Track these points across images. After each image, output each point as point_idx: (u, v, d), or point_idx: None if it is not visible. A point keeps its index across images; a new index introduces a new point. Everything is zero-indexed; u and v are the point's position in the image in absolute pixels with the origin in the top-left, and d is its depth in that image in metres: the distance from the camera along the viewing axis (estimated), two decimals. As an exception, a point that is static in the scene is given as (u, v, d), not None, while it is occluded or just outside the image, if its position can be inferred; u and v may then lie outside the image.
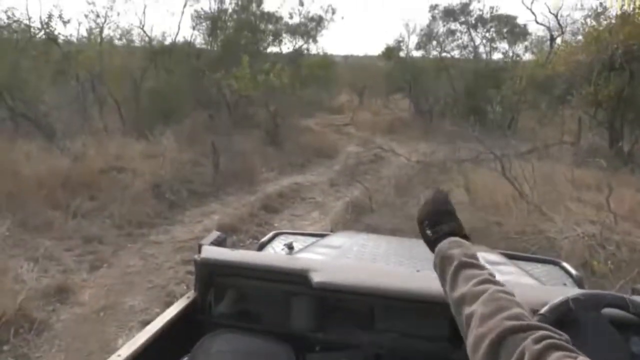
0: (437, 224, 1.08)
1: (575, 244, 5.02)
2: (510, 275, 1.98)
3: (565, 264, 2.45)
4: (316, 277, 1.48)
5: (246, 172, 9.61)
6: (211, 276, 1.60)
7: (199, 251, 1.63)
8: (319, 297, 1.51)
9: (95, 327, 4.18)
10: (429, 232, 1.09)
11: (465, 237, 1.06)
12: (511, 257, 2.45)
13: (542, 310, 1.09)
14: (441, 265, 0.99)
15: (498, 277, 1.73)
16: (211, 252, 1.62)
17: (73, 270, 5.17)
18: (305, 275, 1.50)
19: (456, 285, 0.91)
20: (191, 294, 1.65)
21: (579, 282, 2.20)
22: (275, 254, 2.32)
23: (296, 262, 1.62)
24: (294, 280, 1.52)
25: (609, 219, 5.54)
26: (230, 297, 1.62)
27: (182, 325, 1.55)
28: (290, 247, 2.32)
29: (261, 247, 2.50)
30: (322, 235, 2.76)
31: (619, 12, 10.15)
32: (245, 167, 9.72)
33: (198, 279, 1.62)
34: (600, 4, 10.68)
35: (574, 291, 1.22)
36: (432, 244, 1.07)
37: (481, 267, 0.94)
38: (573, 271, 2.32)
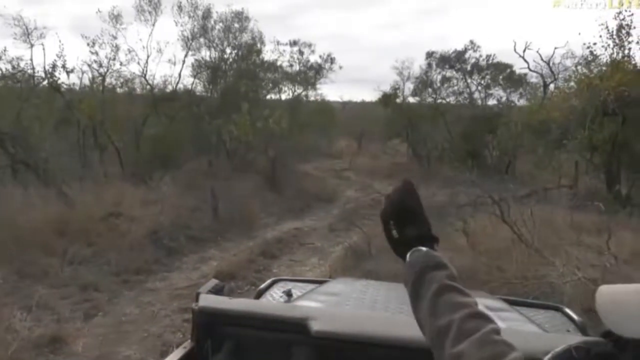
0: (404, 224, 0.97)
1: (577, 289, 4.95)
2: (512, 322, 1.95)
3: (567, 310, 2.41)
4: (315, 326, 1.45)
5: (245, 218, 9.59)
6: (209, 325, 1.58)
7: (197, 299, 1.61)
8: (318, 346, 1.48)
9: (88, 379, 4.07)
10: (395, 232, 0.98)
11: (434, 239, 0.97)
12: (512, 302, 2.42)
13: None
14: (416, 283, 0.90)
15: (500, 325, 1.69)
16: (209, 300, 1.60)
17: (67, 319, 5.07)
18: (304, 323, 1.47)
19: (437, 312, 0.83)
20: (188, 344, 1.62)
21: (582, 329, 2.16)
22: (273, 302, 2.29)
23: (295, 311, 1.60)
24: (293, 329, 1.50)
25: (609, 262, 5.50)
26: (228, 346, 1.59)
27: None
28: (288, 294, 2.29)
29: (259, 294, 2.47)
30: (321, 282, 2.72)
31: (609, 60, 10.43)
32: (244, 212, 9.71)
33: (195, 328, 1.60)
34: (591, 52, 10.97)
35: (577, 339, 1.20)
36: (398, 248, 0.97)
37: (465, 294, 0.86)
38: (576, 317, 2.28)
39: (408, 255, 0.94)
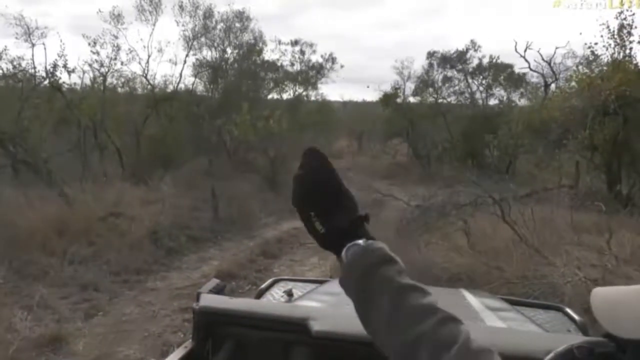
0: (329, 213, 0.81)
1: (577, 289, 4.94)
2: (513, 322, 1.94)
3: (568, 310, 2.41)
4: (315, 326, 1.45)
5: (245, 217, 9.59)
6: (209, 325, 1.58)
7: (197, 299, 1.61)
8: (319, 346, 1.48)
9: (88, 379, 4.07)
10: (319, 226, 0.82)
11: (364, 218, 0.83)
12: (513, 303, 2.42)
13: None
14: (362, 287, 0.76)
15: (500, 324, 1.68)
16: (210, 300, 1.60)
17: (67, 318, 5.07)
18: (304, 323, 1.47)
19: (399, 324, 0.71)
20: (188, 344, 1.61)
21: (583, 329, 2.15)
22: (274, 301, 2.29)
23: (295, 310, 1.60)
24: (293, 329, 1.49)
25: (610, 262, 5.49)
26: (229, 346, 1.59)
27: None
28: (289, 294, 2.29)
29: (260, 294, 2.47)
30: (321, 282, 2.72)
31: (611, 60, 10.43)
32: (244, 212, 9.71)
33: (196, 328, 1.59)
34: (592, 52, 10.96)
35: (578, 338, 1.19)
36: (325, 241, 0.82)
37: (424, 292, 0.74)
38: (577, 317, 2.28)
39: (344, 253, 0.81)
